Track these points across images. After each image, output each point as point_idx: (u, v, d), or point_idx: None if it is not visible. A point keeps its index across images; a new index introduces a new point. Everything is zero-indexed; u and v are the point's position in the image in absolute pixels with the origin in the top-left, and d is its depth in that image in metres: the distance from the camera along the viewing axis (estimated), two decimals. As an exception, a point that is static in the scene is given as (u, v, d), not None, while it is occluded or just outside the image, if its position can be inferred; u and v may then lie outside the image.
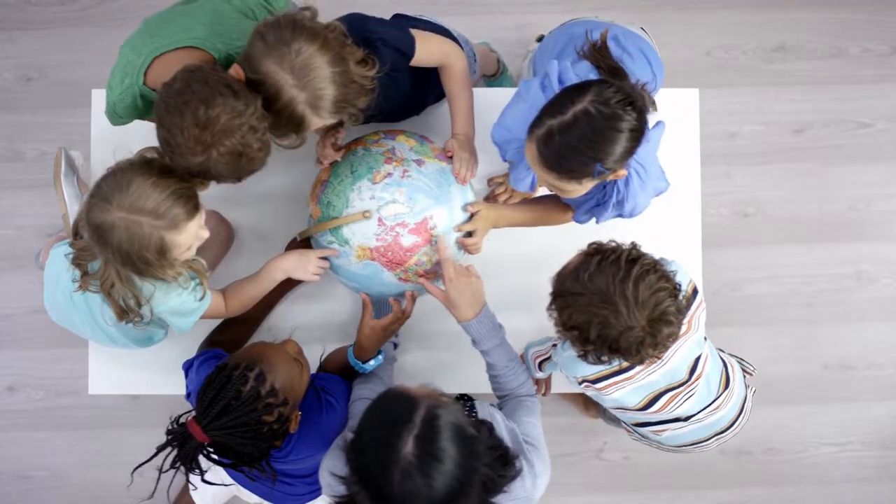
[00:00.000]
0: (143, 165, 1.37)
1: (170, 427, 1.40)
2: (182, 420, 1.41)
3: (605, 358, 1.42)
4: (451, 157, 1.65)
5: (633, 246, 1.42)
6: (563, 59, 1.51)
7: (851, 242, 2.62)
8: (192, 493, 2.08)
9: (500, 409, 1.62)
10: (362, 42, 1.45)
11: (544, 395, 2.02)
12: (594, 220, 1.65)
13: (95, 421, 2.53)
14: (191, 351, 1.77)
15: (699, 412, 1.69)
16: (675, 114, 1.94)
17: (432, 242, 1.59)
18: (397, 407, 1.21)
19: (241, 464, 1.44)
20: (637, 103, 1.35)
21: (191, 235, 1.40)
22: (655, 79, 1.64)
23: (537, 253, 1.89)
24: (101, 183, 1.36)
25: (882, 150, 2.63)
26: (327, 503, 1.50)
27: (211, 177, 1.40)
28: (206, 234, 1.45)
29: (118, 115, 1.58)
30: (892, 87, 2.64)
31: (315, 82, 1.34)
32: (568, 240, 1.85)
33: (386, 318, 1.64)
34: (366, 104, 1.43)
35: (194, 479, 1.46)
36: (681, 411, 1.66)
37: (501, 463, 1.28)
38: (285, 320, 1.89)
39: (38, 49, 2.59)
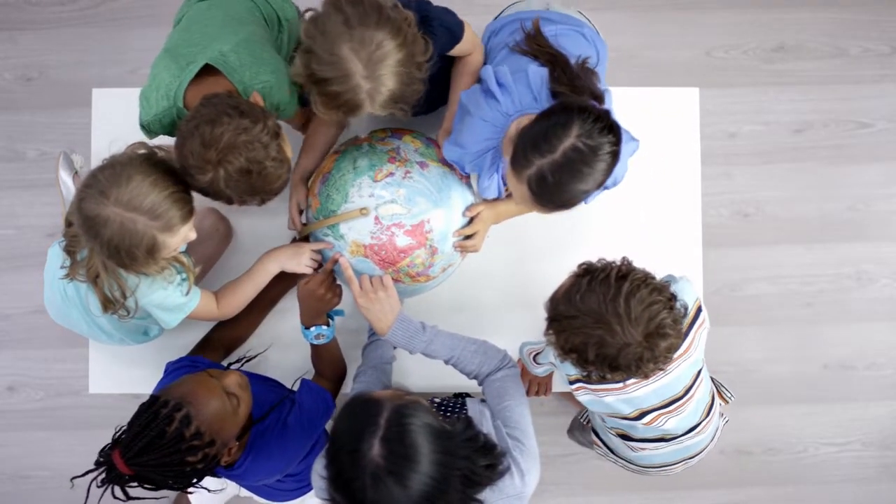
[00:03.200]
0: (145, 162, 1.36)
1: (114, 439, 1.36)
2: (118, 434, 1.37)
3: (608, 376, 1.41)
4: None
5: (624, 262, 1.41)
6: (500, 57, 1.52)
7: (851, 242, 2.62)
8: (190, 495, 2.08)
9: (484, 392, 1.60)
10: (420, 21, 1.40)
11: (546, 394, 2.01)
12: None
13: (95, 421, 2.53)
14: (190, 349, 1.78)
15: (683, 434, 1.68)
16: (675, 114, 1.94)
17: (336, 256, 1.59)
18: (362, 412, 1.20)
19: (171, 489, 1.40)
20: (613, 125, 1.36)
21: (181, 238, 1.40)
22: (598, 54, 1.65)
23: (533, 251, 1.89)
24: (98, 174, 1.35)
25: (882, 150, 2.64)
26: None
27: (226, 197, 1.40)
28: (193, 235, 1.45)
29: (151, 132, 1.56)
30: (892, 87, 2.64)
31: (383, 78, 1.31)
32: (562, 239, 1.87)
33: (314, 281, 1.62)
34: (416, 100, 1.40)
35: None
36: (667, 428, 1.65)
37: (482, 454, 1.26)
38: (284, 316, 1.88)
39: (38, 49, 2.58)
